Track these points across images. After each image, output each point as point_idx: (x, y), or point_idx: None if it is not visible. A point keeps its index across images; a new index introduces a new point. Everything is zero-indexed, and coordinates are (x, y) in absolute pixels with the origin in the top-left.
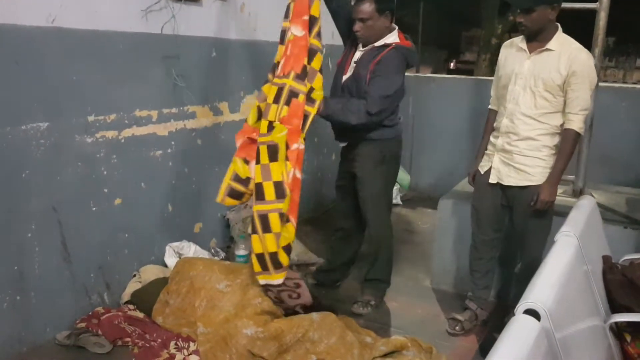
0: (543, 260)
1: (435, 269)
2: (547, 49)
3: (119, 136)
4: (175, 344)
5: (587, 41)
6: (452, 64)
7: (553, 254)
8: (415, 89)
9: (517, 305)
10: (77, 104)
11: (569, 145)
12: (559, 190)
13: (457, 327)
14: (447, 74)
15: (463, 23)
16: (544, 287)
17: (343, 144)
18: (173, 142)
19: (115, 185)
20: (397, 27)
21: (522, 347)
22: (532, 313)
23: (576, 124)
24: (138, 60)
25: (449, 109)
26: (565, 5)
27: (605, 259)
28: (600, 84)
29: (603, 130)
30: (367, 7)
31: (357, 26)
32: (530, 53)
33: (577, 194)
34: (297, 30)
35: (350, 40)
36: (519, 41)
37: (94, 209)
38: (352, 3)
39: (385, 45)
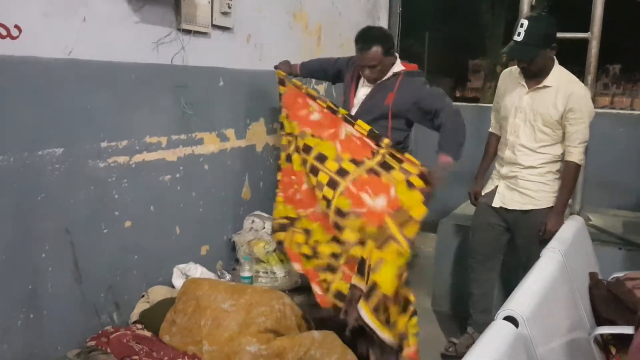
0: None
1: (435, 290)
2: (545, 86)
3: (130, 161)
4: None
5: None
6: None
7: (537, 267)
8: None
9: (497, 313)
10: (90, 131)
11: (570, 177)
12: None
13: (450, 349)
14: (454, 101)
15: (469, 51)
16: (524, 297)
17: None
18: (181, 167)
19: (126, 208)
20: (397, 55)
21: (497, 351)
22: (511, 320)
23: (576, 156)
24: (149, 89)
25: None
26: (558, 35)
27: (592, 275)
28: (599, 110)
29: (602, 155)
30: (376, 54)
31: (368, 72)
32: (528, 88)
33: None
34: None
35: (347, 78)
36: (517, 74)
37: (105, 230)
38: (356, 49)
39: (395, 75)
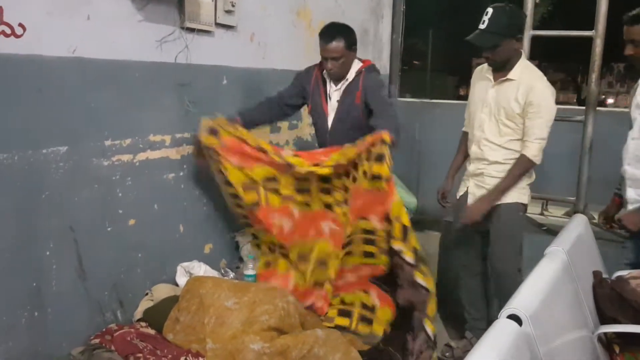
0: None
1: (437, 290)
2: (509, 79)
3: (133, 159)
4: (185, 359)
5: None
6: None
7: (540, 266)
8: (421, 114)
9: (500, 312)
10: (95, 129)
11: (517, 169)
12: (560, 212)
13: (447, 354)
14: (457, 99)
15: (473, 49)
16: (528, 295)
17: None
18: (185, 166)
19: (130, 206)
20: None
21: (500, 349)
22: (515, 319)
23: (530, 151)
24: (153, 87)
25: (454, 134)
26: (562, 33)
27: (596, 274)
28: (600, 108)
29: (606, 153)
30: (338, 46)
31: (331, 64)
32: (494, 82)
33: None
34: None
35: (310, 89)
36: (486, 69)
37: (109, 228)
38: (320, 41)
39: (358, 73)
